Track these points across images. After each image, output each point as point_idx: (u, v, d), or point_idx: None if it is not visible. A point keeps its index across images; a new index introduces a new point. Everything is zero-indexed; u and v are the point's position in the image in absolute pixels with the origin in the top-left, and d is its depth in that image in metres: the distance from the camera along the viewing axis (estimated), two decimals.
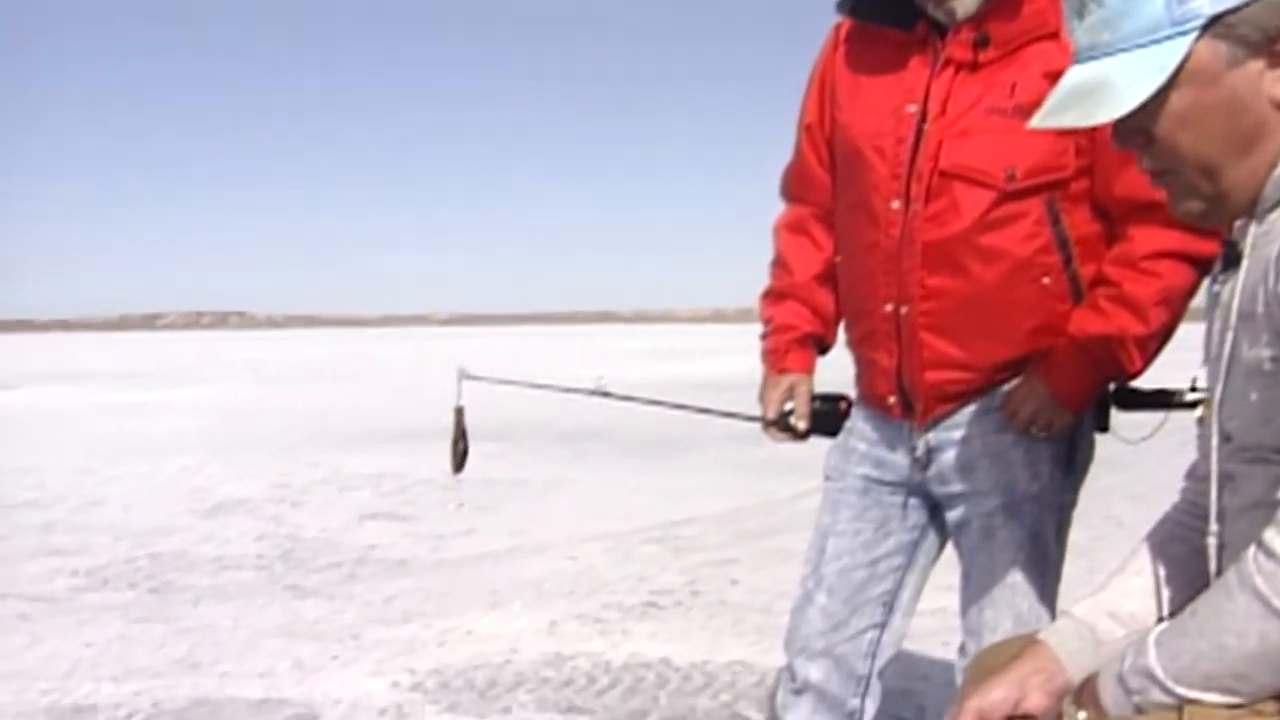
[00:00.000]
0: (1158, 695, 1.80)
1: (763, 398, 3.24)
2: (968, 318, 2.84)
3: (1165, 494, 2.20)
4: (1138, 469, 7.11)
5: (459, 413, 3.35)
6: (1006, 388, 2.89)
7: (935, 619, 5.05)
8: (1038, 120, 1.90)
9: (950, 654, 5.32)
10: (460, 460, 3.43)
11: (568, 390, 3.64)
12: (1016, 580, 2.93)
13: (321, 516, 10.49)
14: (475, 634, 6.43)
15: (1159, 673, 1.79)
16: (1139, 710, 1.85)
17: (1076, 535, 3.04)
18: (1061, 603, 2.87)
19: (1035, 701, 2.02)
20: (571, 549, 8.80)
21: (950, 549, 3.16)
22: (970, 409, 2.92)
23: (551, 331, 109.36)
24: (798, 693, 3.24)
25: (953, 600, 5.71)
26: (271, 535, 9.61)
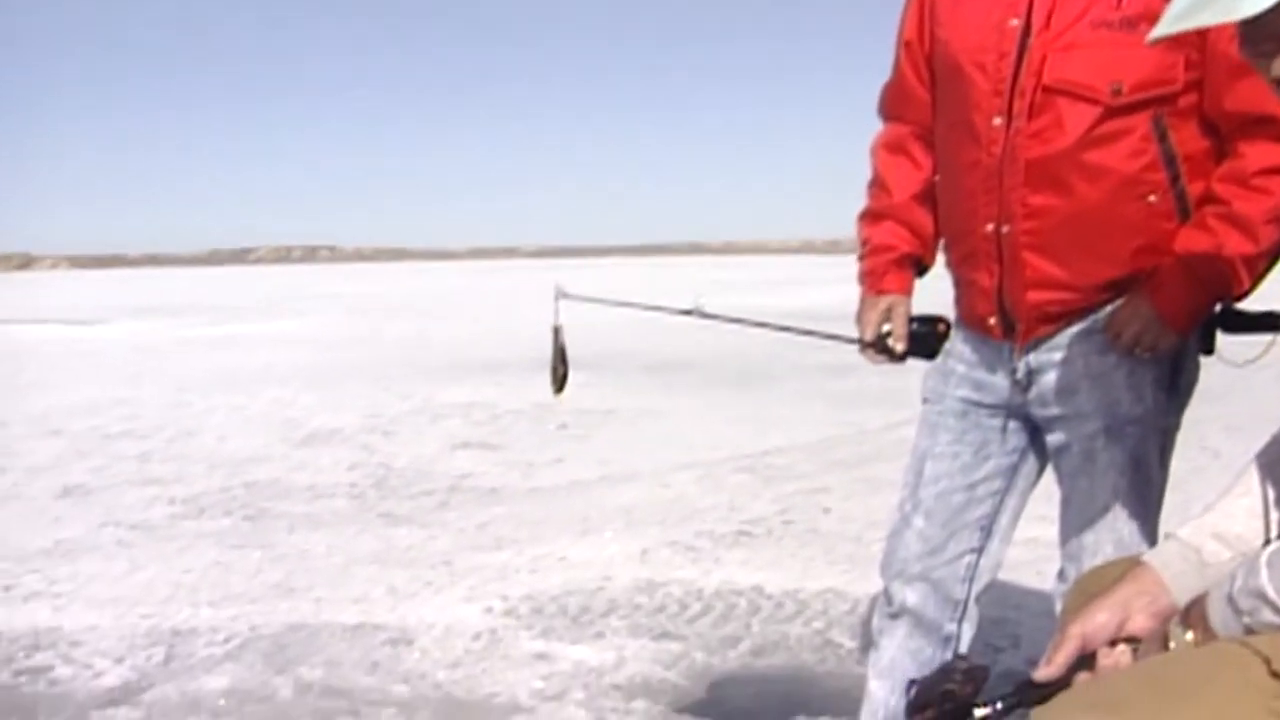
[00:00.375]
0: (1269, 616, 1.77)
1: (860, 319, 3.19)
2: (1071, 237, 2.78)
3: (1264, 425, 2.14)
4: (1235, 400, 6.99)
5: (557, 332, 3.32)
6: (1110, 308, 2.83)
7: (1028, 549, 4.99)
8: (1166, 25, 1.77)
9: (1045, 584, 5.27)
10: (560, 381, 3.40)
11: (665, 310, 3.60)
12: (1118, 504, 2.88)
13: (413, 446, 10.55)
14: (567, 560, 6.45)
15: (1271, 593, 1.76)
16: (1249, 631, 1.82)
17: (1172, 466, 2.98)
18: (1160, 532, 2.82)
19: (1139, 624, 1.99)
20: (662, 478, 8.80)
21: (1048, 474, 3.11)
22: (1072, 330, 2.86)
23: (640, 263, 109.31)
24: (894, 617, 3.22)
25: (1046, 530, 5.65)
26: (364, 464, 9.68)
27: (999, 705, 2.07)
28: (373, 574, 6.29)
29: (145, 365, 18.67)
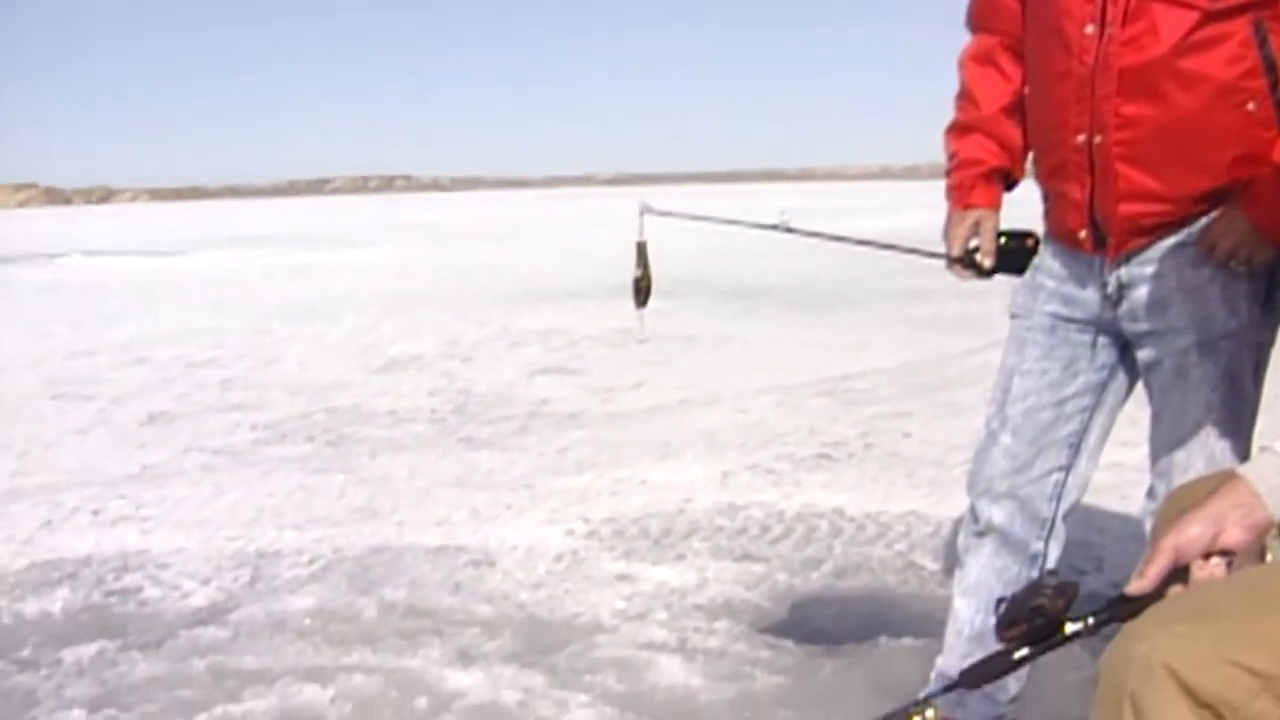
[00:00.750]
0: None
1: (947, 235, 3.14)
2: (1165, 147, 2.71)
3: None
4: None
5: (641, 248, 3.28)
6: (1204, 220, 2.77)
7: (1113, 473, 4.94)
8: None
9: (1129, 508, 5.23)
10: (644, 295, 3.37)
11: (749, 225, 3.57)
12: (1210, 420, 2.83)
13: (492, 372, 10.57)
14: (648, 484, 6.45)
15: None
16: None
17: (1265, 388, 2.92)
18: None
19: (1233, 537, 1.95)
20: (742, 402, 8.78)
21: (1133, 398, 3.06)
22: (1165, 243, 2.80)
23: (717, 190, 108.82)
24: (980, 535, 3.19)
25: (1130, 454, 5.58)
26: (444, 390, 9.72)
27: (1090, 620, 2.05)
28: (454, 497, 6.32)
29: (227, 295, 18.81)
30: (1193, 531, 1.95)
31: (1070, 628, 2.06)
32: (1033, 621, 2.09)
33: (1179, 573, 1.96)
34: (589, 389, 9.58)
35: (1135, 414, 3.17)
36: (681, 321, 13.08)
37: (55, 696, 3.93)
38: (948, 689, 2.37)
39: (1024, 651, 2.13)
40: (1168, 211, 2.76)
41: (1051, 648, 2.12)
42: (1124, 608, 1.99)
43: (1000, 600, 2.19)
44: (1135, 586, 1.97)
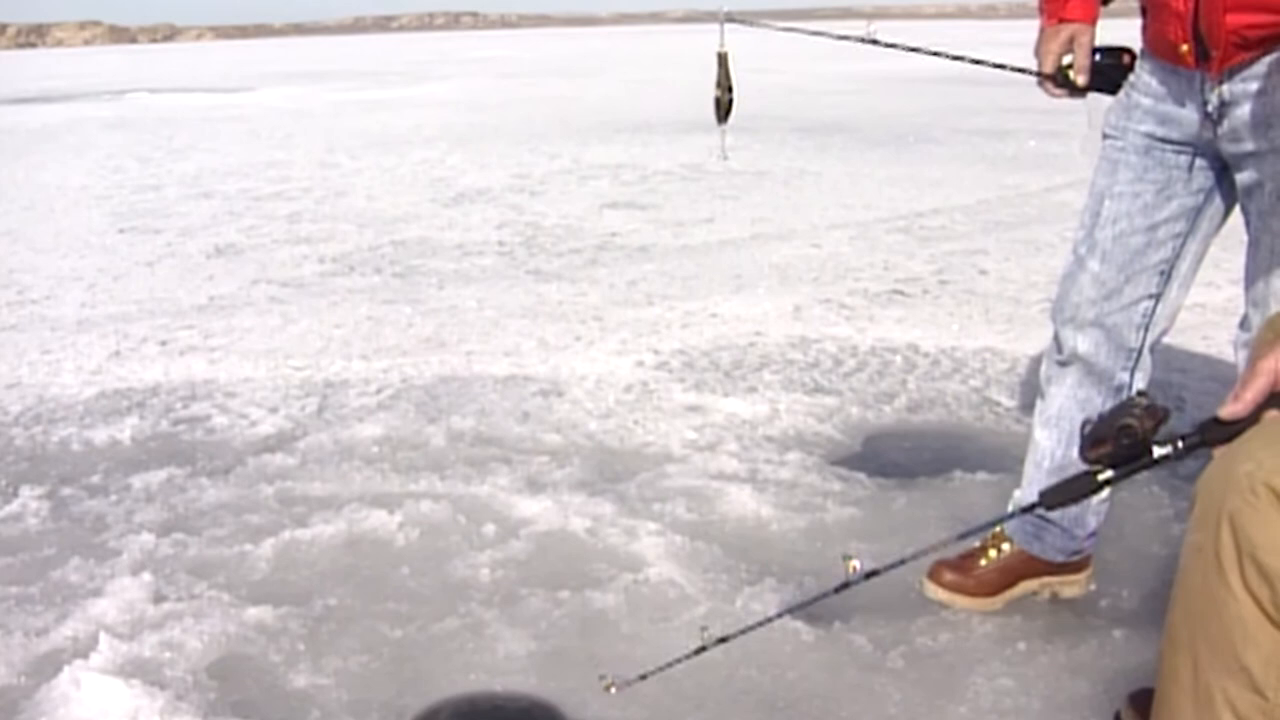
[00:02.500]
0: None
1: (1039, 51, 2.99)
2: None
3: None
4: None
5: (722, 59, 3.15)
6: None
7: (1195, 314, 4.83)
8: None
9: (1212, 349, 5.12)
10: (725, 110, 3.24)
11: (837, 37, 3.42)
12: None
13: (561, 205, 10.48)
14: (719, 316, 6.37)
15: None
16: None
17: None
18: None
19: None
20: (815, 237, 8.65)
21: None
22: (1273, 57, 2.61)
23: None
24: (1063, 365, 3.09)
25: (1213, 295, 5.46)
26: (513, 223, 9.64)
27: (1180, 444, 1.96)
28: (523, 328, 6.27)
29: (294, 129, 18.77)
30: None
31: (1158, 451, 1.99)
32: (1119, 441, 2.01)
33: (1276, 398, 1.86)
34: (660, 222, 9.46)
35: (1218, 256, 3.05)
36: (755, 156, 12.91)
37: (125, 521, 3.94)
38: (1027, 509, 2.29)
39: (1108, 474, 2.05)
40: (1277, 23, 2.59)
41: (1137, 470, 2.05)
42: (1216, 431, 1.91)
43: (1086, 421, 2.10)
44: (1229, 410, 1.88)
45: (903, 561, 2.53)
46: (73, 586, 3.46)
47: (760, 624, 2.71)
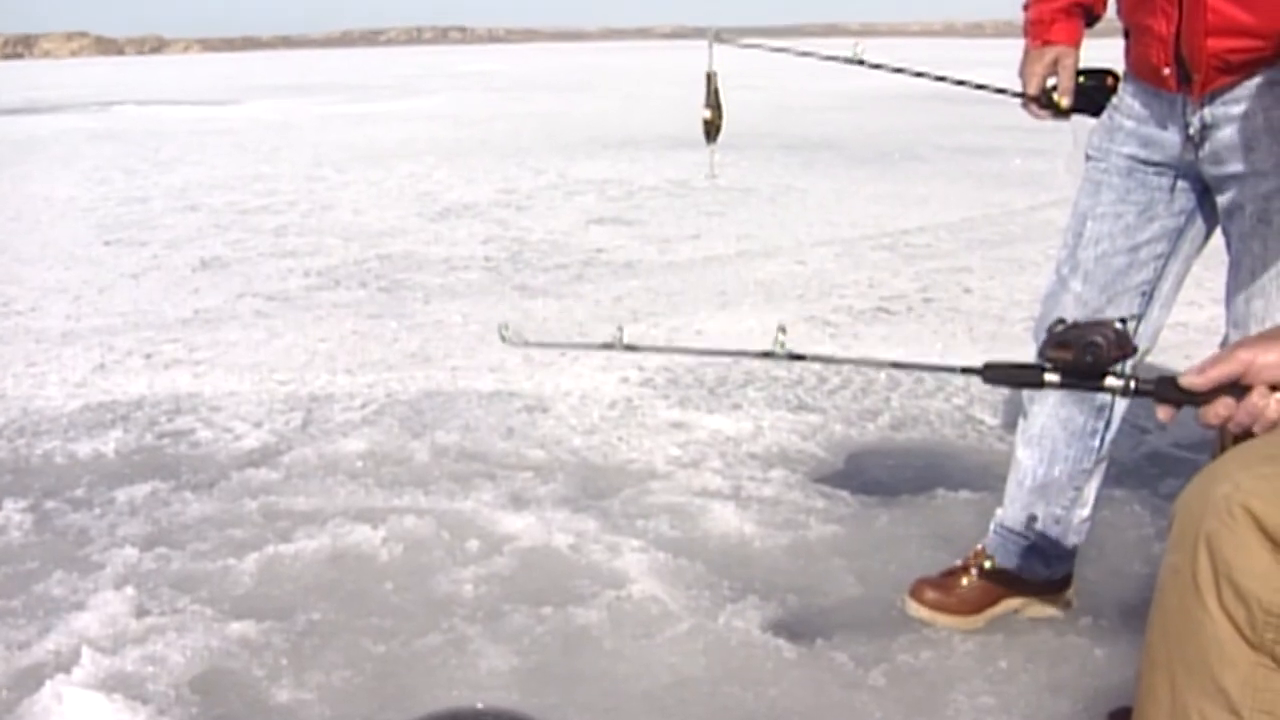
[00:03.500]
0: None
1: (1023, 72, 3.02)
2: None
3: None
4: None
5: (711, 79, 3.17)
6: None
7: (1177, 332, 4.84)
8: None
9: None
10: (715, 130, 3.26)
11: (825, 58, 3.44)
12: None
13: (548, 220, 10.49)
14: (704, 333, 6.39)
15: None
16: None
17: None
18: None
19: None
20: (801, 254, 8.67)
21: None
22: (1254, 81, 2.64)
23: (777, 44, 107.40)
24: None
25: (1195, 315, 5.48)
26: (499, 238, 9.64)
27: (1132, 384, 1.98)
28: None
29: (281, 142, 18.76)
30: (1272, 358, 1.85)
31: (1110, 381, 1.99)
32: (1082, 355, 2.01)
33: (1237, 388, 1.87)
34: (645, 239, 9.48)
35: (1200, 275, 3.08)
36: (741, 173, 12.94)
37: (108, 535, 3.93)
38: (968, 371, 2.25)
39: (1056, 378, 2.06)
40: (1259, 47, 2.60)
41: (1084, 389, 2.06)
42: (1169, 392, 1.93)
43: (1060, 320, 2.10)
44: (1189, 380, 1.90)
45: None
46: (55, 600, 3.46)
47: None
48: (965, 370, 2.21)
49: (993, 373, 2.15)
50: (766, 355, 2.45)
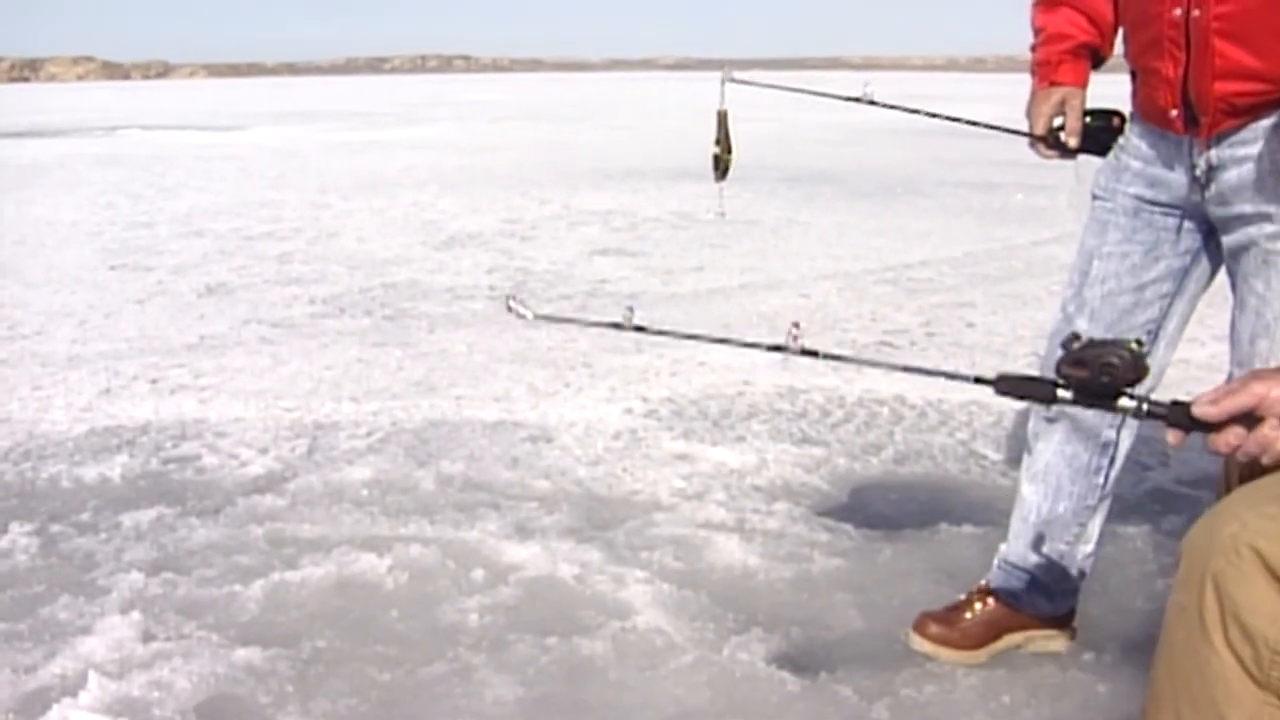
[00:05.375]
0: None
1: (1030, 112, 3.04)
2: (1267, 22, 2.58)
3: None
4: None
5: (722, 117, 3.19)
6: None
7: (1179, 369, 4.83)
8: None
9: None
10: (724, 167, 3.29)
11: (833, 97, 3.48)
12: None
13: (552, 250, 10.52)
14: (708, 365, 6.40)
15: None
16: None
17: None
18: None
19: None
20: (804, 287, 8.70)
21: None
22: (1261, 124, 2.67)
23: (781, 77, 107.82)
24: (1051, 421, 3.13)
25: (1198, 352, 5.50)
26: (503, 267, 9.68)
27: (1144, 407, 1.99)
28: (513, 373, 6.29)
29: (286, 168, 18.81)
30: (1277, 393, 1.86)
31: (1123, 402, 2.00)
32: (1098, 375, 2.02)
33: (1249, 418, 1.87)
34: (649, 270, 9.51)
35: (1204, 313, 3.09)
36: (744, 205, 12.97)
37: (114, 559, 3.94)
38: (980, 381, 2.25)
39: (1069, 394, 2.07)
40: (1266, 91, 2.63)
41: (1097, 408, 2.07)
42: (1179, 418, 1.93)
43: (1075, 335, 2.11)
44: (1201, 410, 1.89)
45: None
46: (62, 624, 3.46)
47: None
48: (979, 380, 2.22)
49: (1006, 384, 2.16)
50: (778, 349, 2.47)
